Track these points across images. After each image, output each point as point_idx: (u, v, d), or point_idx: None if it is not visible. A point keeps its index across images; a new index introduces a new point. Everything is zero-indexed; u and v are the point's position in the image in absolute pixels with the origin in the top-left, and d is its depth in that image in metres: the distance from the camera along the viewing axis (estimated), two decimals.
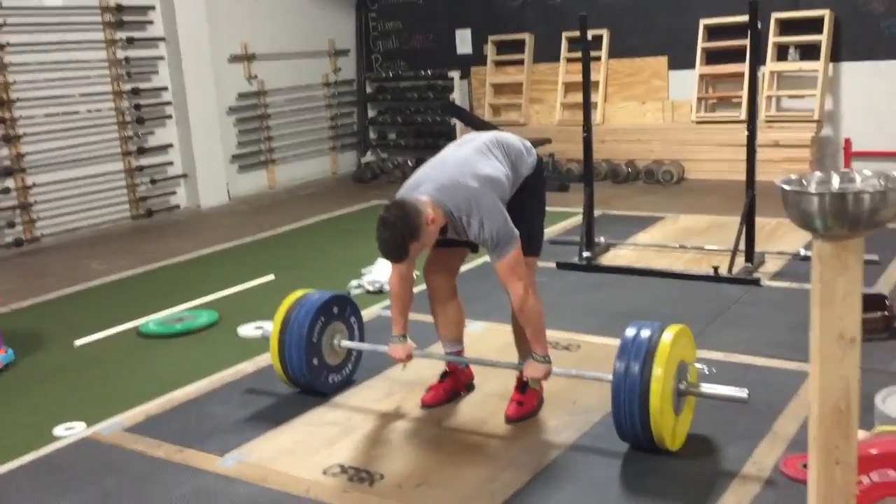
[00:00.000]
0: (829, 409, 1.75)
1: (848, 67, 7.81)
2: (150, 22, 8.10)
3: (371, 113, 10.43)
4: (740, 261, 5.07)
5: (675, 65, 8.57)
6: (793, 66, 7.92)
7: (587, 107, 5.61)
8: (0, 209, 7.04)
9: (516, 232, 3.03)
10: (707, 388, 3.02)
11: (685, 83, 8.44)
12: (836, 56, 7.77)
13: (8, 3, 7.00)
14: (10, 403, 3.92)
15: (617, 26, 8.78)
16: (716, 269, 4.98)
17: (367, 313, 4.50)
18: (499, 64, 9.71)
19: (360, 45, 10.36)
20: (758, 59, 5.27)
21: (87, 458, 3.29)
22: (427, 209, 2.92)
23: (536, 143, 5.41)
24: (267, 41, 9.17)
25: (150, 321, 4.84)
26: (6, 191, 7.04)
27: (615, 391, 2.92)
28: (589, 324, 4.37)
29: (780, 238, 5.72)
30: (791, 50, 7.92)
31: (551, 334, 3.45)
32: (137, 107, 7.98)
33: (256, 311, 4.87)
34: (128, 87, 7.90)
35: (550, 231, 6.03)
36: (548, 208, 3.43)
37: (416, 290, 3.43)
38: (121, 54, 7.84)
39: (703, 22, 8.27)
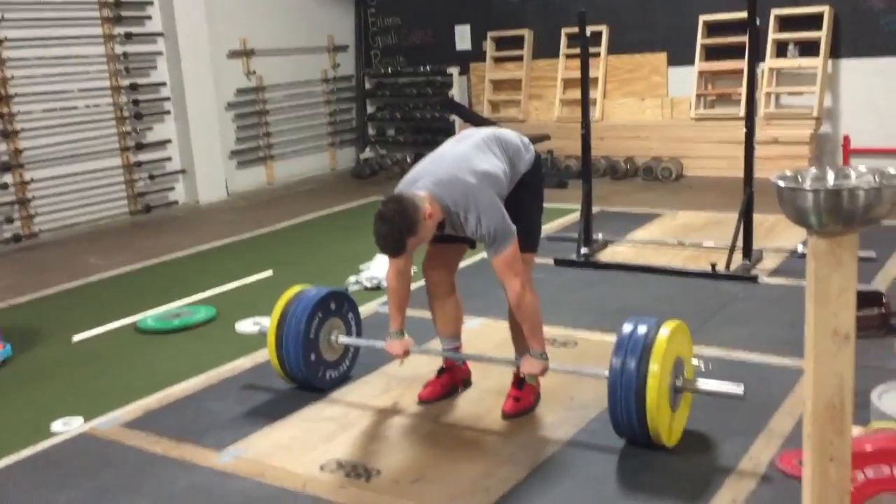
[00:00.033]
0: (823, 405, 1.76)
1: (847, 64, 7.80)
2: (149, 17, 8.09)
3: (370, 109, 10.42)
4: (738, 258, 5.06)
5: (674, 61, 8.57)
6: (792, 62, 7.92)
7: (586, 103, 5.61)
8: None
9: (513, 228, 3.03)
10: (703, 384, 3.02)
11: (684, 80, 8.43)
12: (835, 53, 7.77)
13: None
14: (7, 399, 3.92)
15: (616, 22, 8.78)
16: (713, 265, 4.98)
17: (365, 309, 4.50)
18: (498, 60, 9.70)
19: (359, 40, 10.35)
20: (757, 56, 5.27)
21: (85, 453, 3.30)
22: (425, 204, 2.92)
23: (535, 139, 5.42)
24: (266, 37, 9.16)
25: (147, 317, 4.85)
26: (4, 186, 7.04)
27: (612, 387, 2.93)
28: (586, 320, 4.38)
29: (778, 235, 5.72)
30: (790, 46, 7.93)
31: (548, 330, 3.46)
32: (136, 102, 7.98)
33: (254, 306, 4.87)
34: (126, 82, 7.89)
35: (548, 227, 6.03)
36: (546, 205, 3.43)
37: (414, 285, 3.43)
38: (119, 49, 7.84)
39: (702, 18, 8.27)
